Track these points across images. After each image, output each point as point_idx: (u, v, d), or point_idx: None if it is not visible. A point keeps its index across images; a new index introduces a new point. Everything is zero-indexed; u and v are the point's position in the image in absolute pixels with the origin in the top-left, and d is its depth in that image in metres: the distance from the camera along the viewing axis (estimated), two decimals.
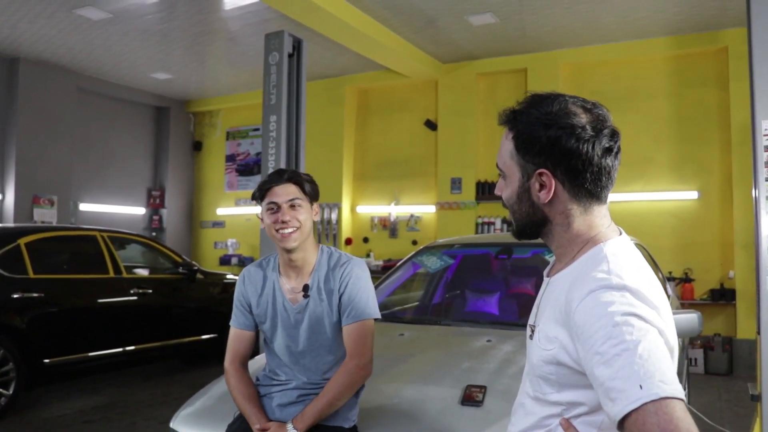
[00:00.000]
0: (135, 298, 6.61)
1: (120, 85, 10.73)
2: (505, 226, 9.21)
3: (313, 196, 2.33)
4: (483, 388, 2.43)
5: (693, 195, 8.10)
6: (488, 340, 3.06)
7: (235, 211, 11.68)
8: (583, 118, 1.31)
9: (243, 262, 11.16)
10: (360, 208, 10.53)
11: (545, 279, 1.45)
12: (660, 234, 8.11)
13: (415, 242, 9.85)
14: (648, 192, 8.32)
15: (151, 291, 6.84)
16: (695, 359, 7.56)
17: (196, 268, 7.50)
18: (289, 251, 2.27)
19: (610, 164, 1.33)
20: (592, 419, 1.25)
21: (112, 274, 6.52)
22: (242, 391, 2.28)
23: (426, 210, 10.03)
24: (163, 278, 7.23)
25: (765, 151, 3.65)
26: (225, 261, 11.07)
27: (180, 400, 6.13)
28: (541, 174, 1.32)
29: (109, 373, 6.98)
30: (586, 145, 1.29)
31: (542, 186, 1.33)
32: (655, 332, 1.13)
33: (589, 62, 8.82)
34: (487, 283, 3.96)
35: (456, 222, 9.38)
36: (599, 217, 1.38)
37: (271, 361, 2.38)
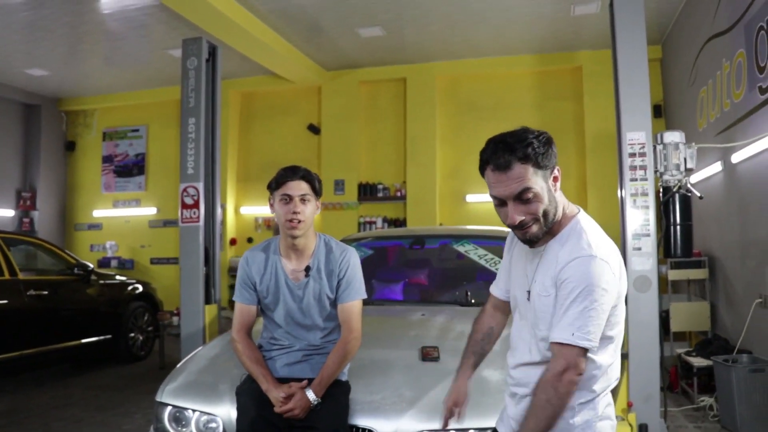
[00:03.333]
0: (30, 300, 6.48)
1: None
2: (386, 224, 9.85)
3: (318, 192, 2.76)
4: (436, 348, 2.96)
5: None
6: (422, 314, 3.61)
7: (113, 213, 11.44)
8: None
9: (123, 264, 10.99)
10: (244, 209, 10.77)
11: (533, 250, 1.94)
12: None
13: None
14: None
15: (46, 293, 6.73)
16: None
17: (90, 268, 7.45)
18: (294, 237, 2.68)
19: None
20: None
21: (7, 276, 6.38)
22: (250, 356, 2.66)
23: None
24: (59, 280, 7.11)
25: (629, 158, 4.47)
26: (104, 263, 10.86)
27: (86, 401, 6.24)
28: (555, 178, 1.83)
29: None
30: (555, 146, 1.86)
31: (555, 179, 1.84)
32: (607, 300, 1.75)
33: (463, 74, 9.68)
34: (406, 270, 4.51)
35: (339, 221, 9.85)
36: (562, 197, 1.92)
37: (272, 330, 2.77)
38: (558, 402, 1.73)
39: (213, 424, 2.82)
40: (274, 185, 2.73)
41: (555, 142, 1.79)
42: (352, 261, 2.78)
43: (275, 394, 2.53)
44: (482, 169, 1.85)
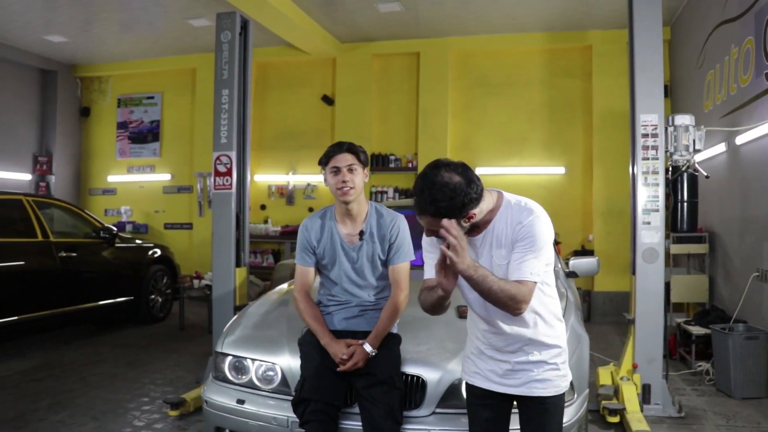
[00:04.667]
0: (62, 261, 6.78)
1: (4, 45, 10.35)
2: (397, 195, 10.15)
3: (364, 163, 3.07)
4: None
5: (561, 170, 9.51)
6: None
7: (127, 178, 11.70)
8: (456, 178, 2.16)
9: (138, 229, 11.30)
10: (258, 177, 11.02)
11: (475, 238, 2.33)
12: None
13: (311, 209, 10.52)
14: (523, 167, 9.61)
15: (76, 254, 7.03)
16: None
17: (115, 232, 7.74)
18: (347, 203, 3.00)
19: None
20: None
21: (40, 238, 6.66)
22: (309, 313, 3.00)
23: (322, 179, 10.67)
24: (87, 242, 7.41)
25: (642, 138, 4.77)
26: (119, 228, 10.96)
27: (114, 358, 6.59)
28: (470, 217, 2.20)
29: (25, 338, 7.07)
30: (475, 188, 2.18)
31: (470, 218, 2.20)
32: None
33: (475, 50, 9.91)
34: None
35: None
36: (487, 197, 2.29)
37: (329, 287, 3.10)
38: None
39: (271, 372, 3.16)
40: (324, 160, 3.04)
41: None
42: (402, 226, 3.10)
43: (334, 348, 2.87)
44: None
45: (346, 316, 3.03)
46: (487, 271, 2.19)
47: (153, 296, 8.45)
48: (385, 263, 3.08)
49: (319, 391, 2.79)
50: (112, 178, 11.85)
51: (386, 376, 2.79)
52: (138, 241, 8.69)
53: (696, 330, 6.09)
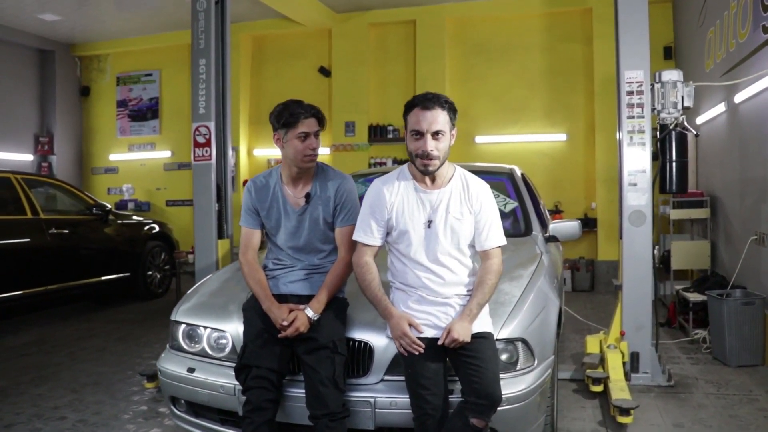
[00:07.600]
0: (52, 238, 6.74)
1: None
2: (396, 165, 9.96)
3: (324, 127, 2.93)
4: None
5: (562, 137, 9.27)
6: None
7: (128, 156, 11.66)
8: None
9: (140, 207, 11.27)
10: (257, 151, 10.93)
11: (427, 192, 2.71)
12: (534, 172, 9.14)
13: None
14: (523, 134, 9.39)
15: (67, 231, 6.99)
16: (564, 279, 8.76)
17: (108, 209, 7.70)
18: (307, 170, 2.90)
19: None
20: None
21: (29, 215, 6.63)
22: (253, 276, 2.88)
23: (321, 151, 10.52)
24: (79, 219, 7.37)
25: (627, 96, 4.56)
26: (121, 206, 11.10)
27: (108, 333, 6.54)
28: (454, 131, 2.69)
29: (21, 316, 7.11)
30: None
31: (453, 137, 2.69)
32: None
33: (472, 17, 9.64)
34: None
35: (350, 162, 9.90)
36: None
37: (275, 251, 2.98)
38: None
39: (223, 341, 3.06)
40: (291, 122, 2.82)
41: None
42: (349, 187, 2.96)
43: (275, 313, 2.75)
44: None
45: (291, 280, 2.90)
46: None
47: (151, 272, 8.43)
48: (332, 226, 2.95)
49: (261, 357, 2.68)
50: (114, 157, 11.81)
51: (327, 341, 2.66)
52: (136, 218, 8.65)
53: (693, 297, 5.90)
